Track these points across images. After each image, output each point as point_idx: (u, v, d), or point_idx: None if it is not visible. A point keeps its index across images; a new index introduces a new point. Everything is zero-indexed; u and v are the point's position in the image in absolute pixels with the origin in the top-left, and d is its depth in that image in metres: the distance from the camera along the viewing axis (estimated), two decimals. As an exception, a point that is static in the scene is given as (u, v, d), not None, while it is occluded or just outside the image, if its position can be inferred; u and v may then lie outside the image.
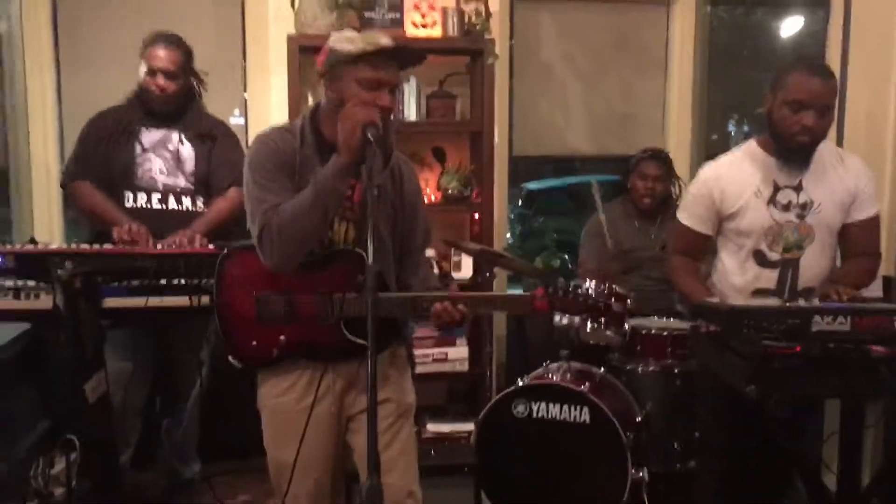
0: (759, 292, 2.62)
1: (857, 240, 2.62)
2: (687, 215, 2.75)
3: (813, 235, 2.57)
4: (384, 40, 2.06)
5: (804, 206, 2.57)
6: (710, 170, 2.71)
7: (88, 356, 2.51)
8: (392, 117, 2.12)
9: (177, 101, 3.07)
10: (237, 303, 2.16)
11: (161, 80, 3.00)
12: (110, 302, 2.56)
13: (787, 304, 2.18)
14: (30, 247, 2.58)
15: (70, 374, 2.50)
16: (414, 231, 2.29)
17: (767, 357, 2.00)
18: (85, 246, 2.67)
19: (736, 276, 2.67)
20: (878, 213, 2.64)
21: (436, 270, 3.75)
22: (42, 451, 3.15)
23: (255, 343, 2.16)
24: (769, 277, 2.61)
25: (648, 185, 3.70)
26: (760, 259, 2.61)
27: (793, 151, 2.52)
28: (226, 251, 2.20)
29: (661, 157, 3.74)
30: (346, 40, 2.07)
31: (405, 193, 2.24)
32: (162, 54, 3.01)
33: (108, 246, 2.66)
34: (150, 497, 3.36)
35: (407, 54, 2.12)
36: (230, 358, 2.20)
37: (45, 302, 2.46)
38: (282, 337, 2.14)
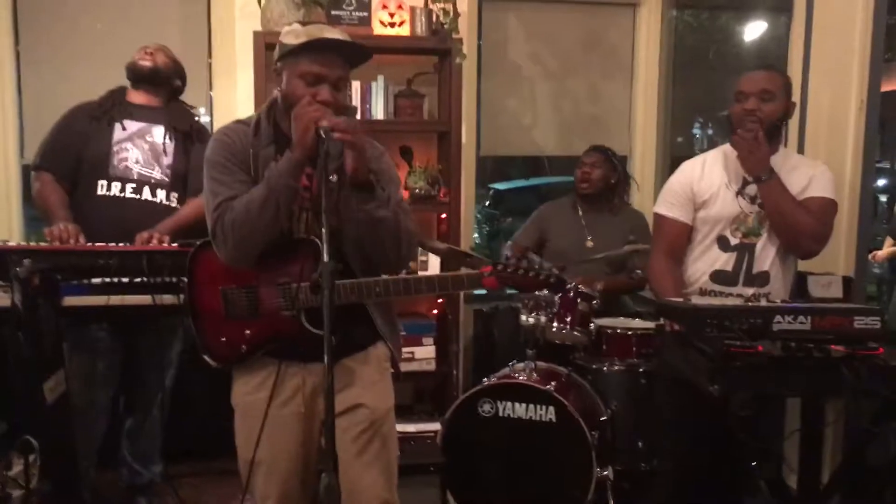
0: (717, 274, 2.74)
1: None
2: (666, 207, 2.84)
3: (769, 223, 2.69)
4: (326, 33, 2.03)
5: None
6: (687, 165, 2.88)
7: (47, 355, 2.46)
8: (344, 110, 2.08)
9: (157, 75, 3.09)
10: (207, 298, 2.12)
11: (150, 49, 3.08)
12: (70, 300, 2.51)
13: (749, 304, 2.20)
14: (-13, 244, 2.52)
15: (28, 373, 2.44)
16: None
17: (730, 356, 2.03)
18: (44, 243, 2.62)
19: (699, 262, 2.78)
20: (833, 202, 2.69)
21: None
22: (0, 454, 3.09)
23: (224, 339, 2.12)
24: (727, 260, 2.73)
25: (585, 171, 3.85)
26: (723, 244, 2.74)
27: None
28: (198, 245, 2.15)
29: (599, 149, 3.90)
30: (291, 34, 2.04)
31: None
32: (154, 44, 3.13)
33: (68, 243, 2.61)
34: (110, 498, 3.31)
35: (348, 49, 2.06)
36: (205, 356, 2.15)
37: (2, 300, 2.39)
38: (248, 332, 2.10)
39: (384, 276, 2.10)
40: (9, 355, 3.10)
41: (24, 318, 2.35)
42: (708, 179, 2.76)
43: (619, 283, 3.68)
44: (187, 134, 3.10)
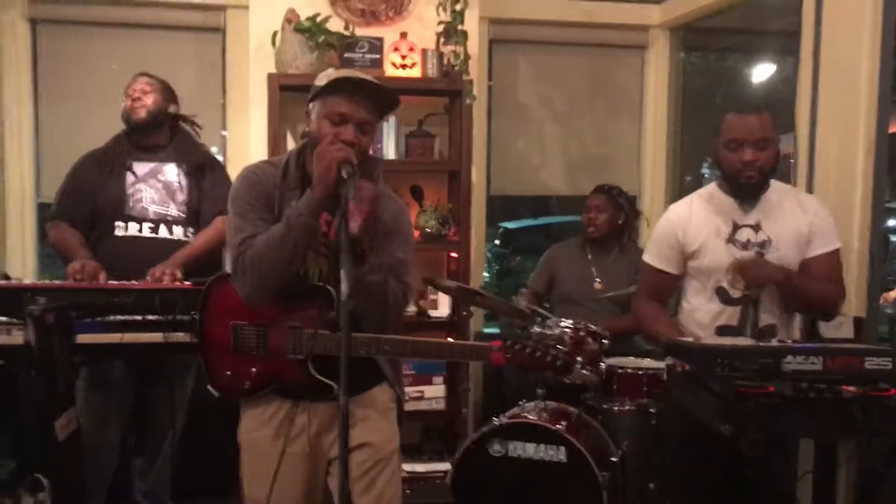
0: (722, 329, 2.65)
1: (817, 273, 2.63)
2: (652, 256, 2.79)
3: None
4: (355, 74, 2.07)
5: (763, 245, 2.62)
6: (672, 211, 2.79)
7: (60, 393, 2.47)
8: (371, 153, 2.11)
9: (156, 118, 3.09)
10: (217, 330, 2.14)
11: (136, 95, 3.06)
12: (84, 338, 2.53)
13: (760, 344, 2.19)
14: (2, 282, 2.56)
15: (40, 411, 2.45)
16: (385, 258, 2.15)
17: (741, 396, 2.02)
18: (58, 281, 2.65)
19: (700, 314, 2.70)
20: (839, 249, 2.66)
21: (413, 308, 3.76)
22: (9, 492, 3.08)
23: (228, 373, 2.14)
24: (732, 314, 2.64)
25: (591, 216, 3.84)
26: (723, 296, 2.65)
27: (743, 189, 2.61)
28: (214, 277, 2.19)
29: (605, 190, 3.88)
30: (324, 77, 2.08)
31: (379, 224, 2.13)
32: (137, 83, 3.10)
33: (88, 279, 2.64)
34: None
35: (375, 91, 2.06)
36: (209, 386, 2.18)
37: (16, 338, 2.40)
38: (253, 369, 2.12)
39: (394, 336, 2.10)
40: (21, 392, 3.12)
41: (38, 356, 2.37)
42: (695, 227, 2.67)
43: (623, 325, 3.65)
44: (200, 166, 3.13)
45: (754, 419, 2.03)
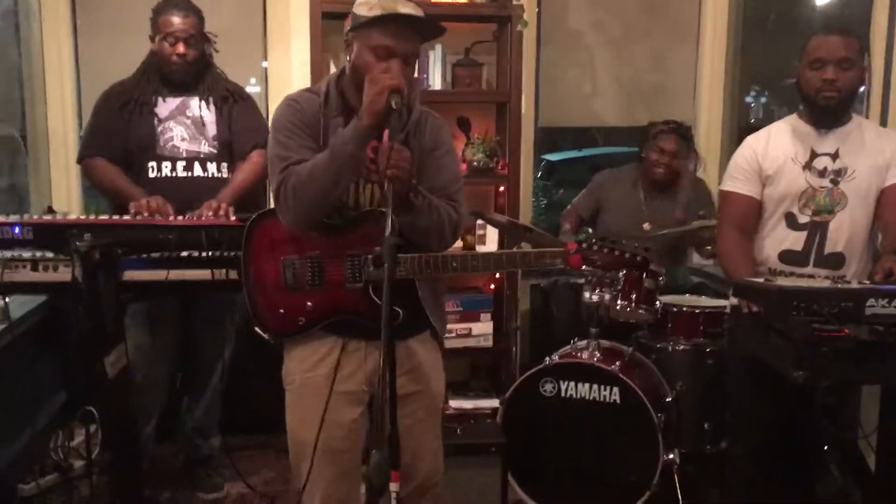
0: (785, 254, 2.59)
1: (893, 202, 2.54)
2: (732, 182, 2.68)
3: (845, 201, 2.54)
4: (400, 7, 1.97)
5: (838, 173, 2.55)
6: (751, 137, 2.72)
7: (108, 329, 2.45)
8: (412, 84, 2.06)
9: (196, 67, 2.98)
10: (264, 269, 2.12)
11: (181, 48, 2.91)
12: (130, 275, 2.49)
13: (839, 286, 2.07)
14: (48, 217, 2.50)
15: (89, 347, 2.44)
16: (430, 182, 2.10)
17: (816, 341, 1.91)
18: (104, 217, 2.60)
19: (765, 239, 2.64)
20: None
21: (459, 243, 3.68)
22: (61, 423, 3.13)
23: (282, 311, 2.11)
24: (797, 239, 2.58)
25: (664, 160, 3.61)
26: (790, 221, 2.59)
27: (822, 111, 2.53)
28: (256, 215, 2.15)
29: (680, 132, 3.65)
30: (365, 5, 2.01)
31: (423, 145, 2.12)
32: (177, 21, 2.91)
33: (127, 217, 2.59)
34: (170, 470, 3.34)
35: (422, 24, 2.01)
36: (257, 328, 2.15)
37: (63, 274, 2.37)
38: (309, 303, 2.08)
39: (468, 252, 2.08)
40: (70, 329, 3.13)
41: (85, 292, 2.35)
42: (773, 153, 2.61)
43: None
44: (225, 97, 3.03)
45: (830, 365, 1.92)
